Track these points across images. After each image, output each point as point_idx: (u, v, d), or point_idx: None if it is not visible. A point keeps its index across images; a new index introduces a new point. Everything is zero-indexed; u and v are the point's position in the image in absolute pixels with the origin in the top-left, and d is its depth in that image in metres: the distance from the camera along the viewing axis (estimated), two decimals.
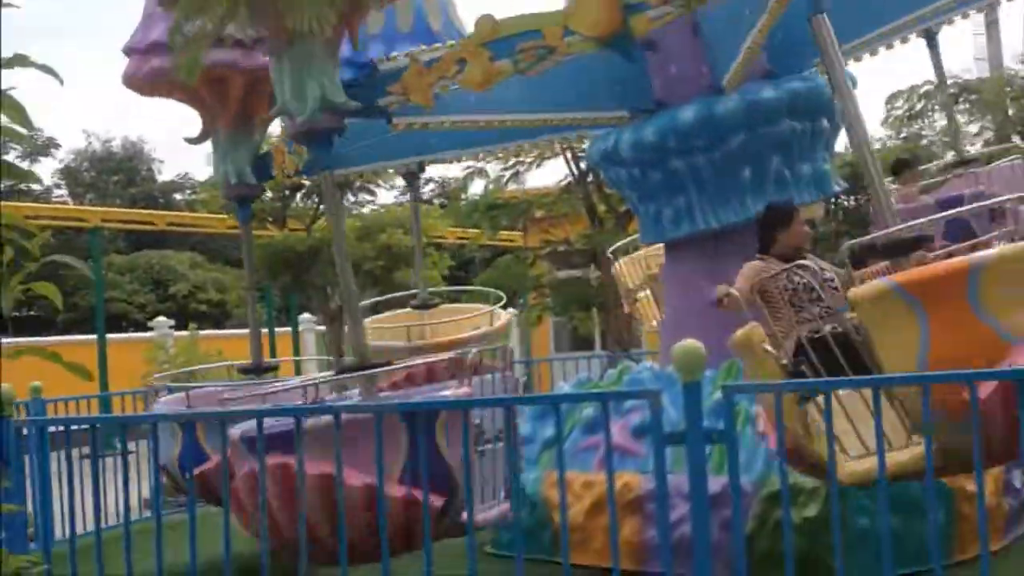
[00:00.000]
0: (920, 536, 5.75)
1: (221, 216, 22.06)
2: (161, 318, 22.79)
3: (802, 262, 5.23)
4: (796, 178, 6.97)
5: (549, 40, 5.68)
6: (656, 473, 3.37)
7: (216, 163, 7.76)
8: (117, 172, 40.62)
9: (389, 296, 11.81)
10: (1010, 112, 21.61)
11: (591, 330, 20.33)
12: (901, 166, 9.91)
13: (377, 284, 18.59)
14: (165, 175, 42.45)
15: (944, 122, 28.89)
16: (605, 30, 5.50)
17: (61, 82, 2.30)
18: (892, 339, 4.10)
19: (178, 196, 40.30)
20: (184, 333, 17.41)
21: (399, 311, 10.43)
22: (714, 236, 7.10)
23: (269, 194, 19.88)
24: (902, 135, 29.52)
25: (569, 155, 15.45)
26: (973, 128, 28.27)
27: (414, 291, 10.27)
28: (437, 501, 4.68)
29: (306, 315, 24.36)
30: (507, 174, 17.21)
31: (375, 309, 11.06)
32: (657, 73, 7.34)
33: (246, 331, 10.00)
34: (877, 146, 31.17)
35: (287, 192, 20.23)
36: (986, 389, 3.67)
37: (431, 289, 10.59)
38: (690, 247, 7.30)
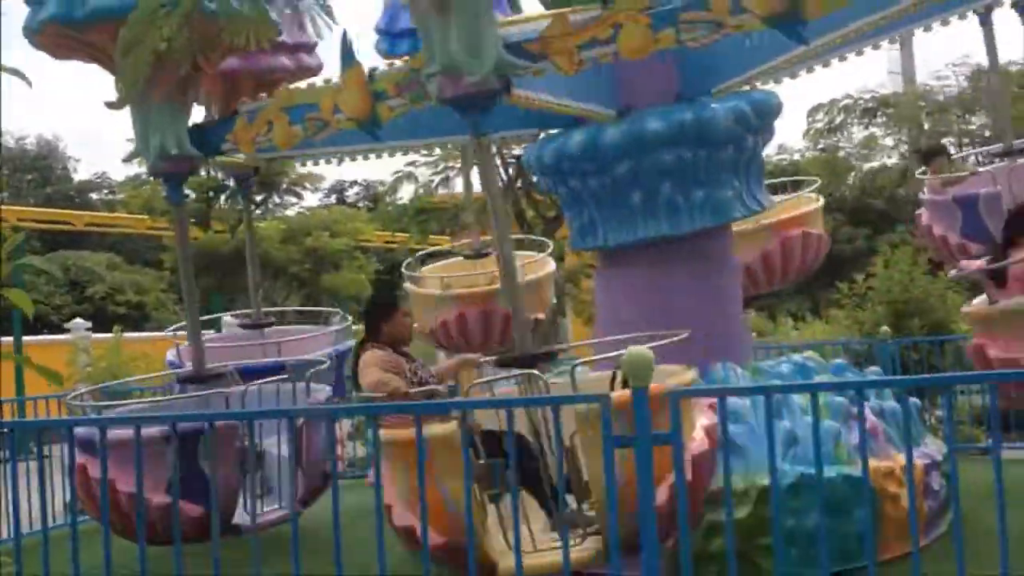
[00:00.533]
0: (844, 536, 5.94)
1: (140, 217, 21.64)
2: (78, 320, 22.28)
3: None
4: (689, 204, 7.12)
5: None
6: (606, 475, 3.45)
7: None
8: (31, 171, 39.63)
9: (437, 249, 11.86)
10: (925, 126, 22.33)
11: None
12: (932, 153, 10.08)
13: (304, 287, 18.48)
14: (81, 174, 41.53)
15: (861, 135, 29.77)
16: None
17: (29, 84, 2.28)
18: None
19: (94, 196, 39.45)
20: (102, 336, 17.08)
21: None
22: (649, 248, 7.21)
23: (192, 195, 19.61)
24: (819, 146, 30.30)
25: (498, 160, 15.57)
26: (889, 141, 29.09)
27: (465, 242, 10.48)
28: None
29: (228, 318, 24.02)
30: (437, 179, 17.26)
31: (426, 260, 11.04)
32: (622, 78, 7.34)
33: (167, 333, 9.90)
34: (796, 157, 31.97)
35: (211, 194, 19.99)
36: None
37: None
38: (624, 257, 7.40)
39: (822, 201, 10.57)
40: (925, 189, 10.01)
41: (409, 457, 4.05)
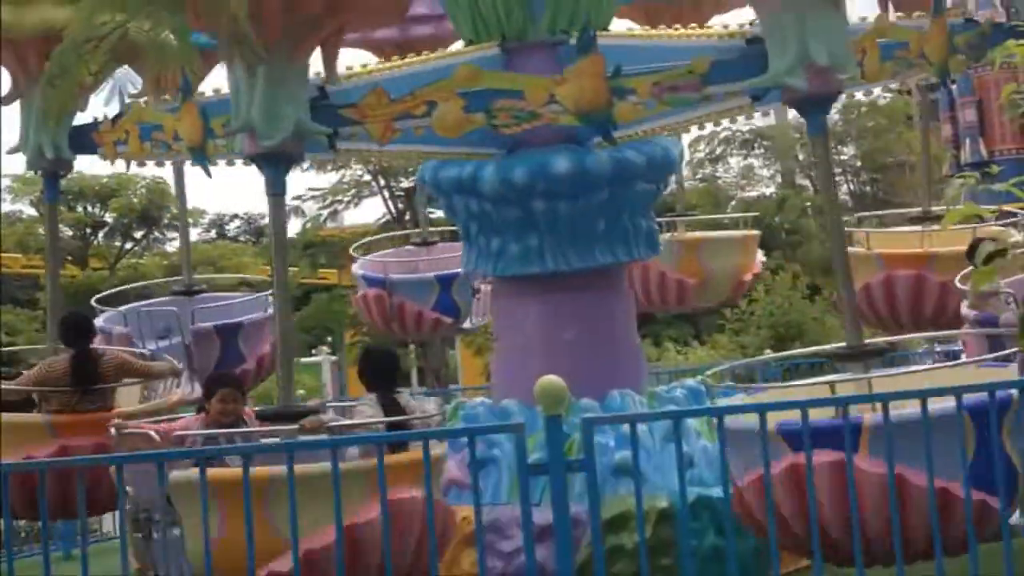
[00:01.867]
0: (742, 553, 6.14)
1: (14, 256, 20.95)
2: None
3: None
4: (636, 233, 7.32)
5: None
6: (521, 501, 3.53)
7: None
8: None
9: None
10: (800, 156, 23.24)
11: (409, 366, 20.44)
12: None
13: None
14: None
15: (739, 165, 30.80)
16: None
17: None
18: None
19: None
20: None
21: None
22: (554, 278, 7.31)
23: (69, 232, 19.05)
24: (698, 176, 31.21)
25: (387, 194, 15.62)
26: (766, 172, 30.16)
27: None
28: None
29: None
30: (325, 212, 17.19)
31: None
32: None
33: None
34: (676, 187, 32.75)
35: (88, 231, 19.47)
36: None
37: None
38: (529, 286, 7.46)
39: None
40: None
41: None
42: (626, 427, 5.93)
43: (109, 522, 10.51)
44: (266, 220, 30.06)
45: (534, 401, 4.65)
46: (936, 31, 6.37)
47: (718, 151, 29.49)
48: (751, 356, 13.04)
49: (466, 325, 11.42)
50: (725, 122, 8.05)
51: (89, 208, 21.04)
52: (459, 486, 6.58)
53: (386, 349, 6.61)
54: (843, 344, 5.84)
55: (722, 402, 5.23)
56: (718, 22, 8.13)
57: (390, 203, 15.53)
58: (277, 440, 5.15)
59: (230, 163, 6.93)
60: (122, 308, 9.69)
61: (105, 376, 7.13)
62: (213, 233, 39.15)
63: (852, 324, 5.72)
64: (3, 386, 7.16)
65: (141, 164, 8.02)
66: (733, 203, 31.18)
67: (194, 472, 4.34)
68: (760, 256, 11.42)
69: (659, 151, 7.25)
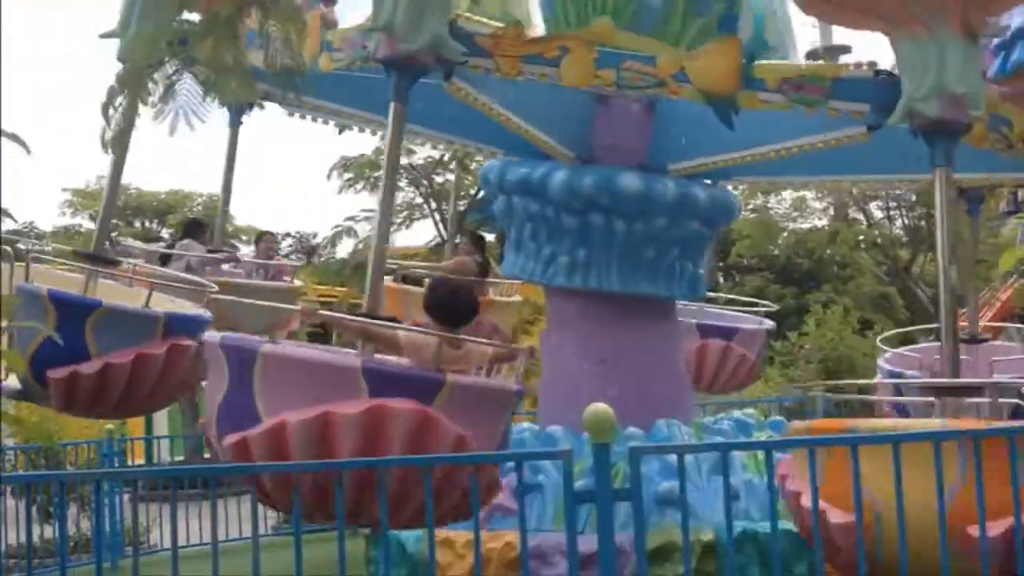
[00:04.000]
0: None
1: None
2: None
3: None
4: (682, 272, 7.39)
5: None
6: (567, 528, 3.55)
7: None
8: None
9: None
10: (854, 190, 23.07)
11: None
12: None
13: None
14: (6, 223, 40.60)
15: (792, 197, 30.57)
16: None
17: (28, 151, 2.34)
18: None
19: (21, 246, 38.57)
20: None
21: None
22: (605, 304, 7.34)
23: None
24: (750, 206, 31.02)
25: (438, 216, 15.73)
26: (818, 204, 29.76)
27: None
28: None
29: None
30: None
31: None
32: (599, 130, 7.50)
33: None
34: None
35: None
36: None
37: None
38: (579, 310, 7.48)
39: None
40: None
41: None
42: (671, 457, 5.95)
43: (156, 535, 10.63)
44: (317, 239, 30.37)
45: (580, 428, 4.67)
46: None
47: None
48: (799, 390, 12.91)
49: None
50: None
51: (147, 223, 21.38)
52: (503, 511, 6.60)
53: (454, 284, 6.17)
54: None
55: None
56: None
57: (440, 226, 15.62)
58: None
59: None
60: None
61: None
62: None
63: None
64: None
65: None
66: (785, 235, 31.00)
67: None
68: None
69: (722, 194, 7.35)
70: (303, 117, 8.26)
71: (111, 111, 5.93)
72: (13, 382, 7.08)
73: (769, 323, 11.18)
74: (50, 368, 6.71)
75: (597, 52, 5.99)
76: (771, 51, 6.60)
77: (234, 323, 7.57)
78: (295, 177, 56.73)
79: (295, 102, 6.88)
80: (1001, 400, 5.84)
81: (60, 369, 6.74)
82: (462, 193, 23.82)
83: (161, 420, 22.00)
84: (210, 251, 9.74)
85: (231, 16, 5.49)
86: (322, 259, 24.48)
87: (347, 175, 26.21)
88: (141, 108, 6.31)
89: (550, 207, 7.22)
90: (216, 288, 8.09)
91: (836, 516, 4.51)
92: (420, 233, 35.07)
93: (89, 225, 24.41)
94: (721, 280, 30.64)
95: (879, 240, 28.24)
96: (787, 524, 6.34)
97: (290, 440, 4.74)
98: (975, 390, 5.87)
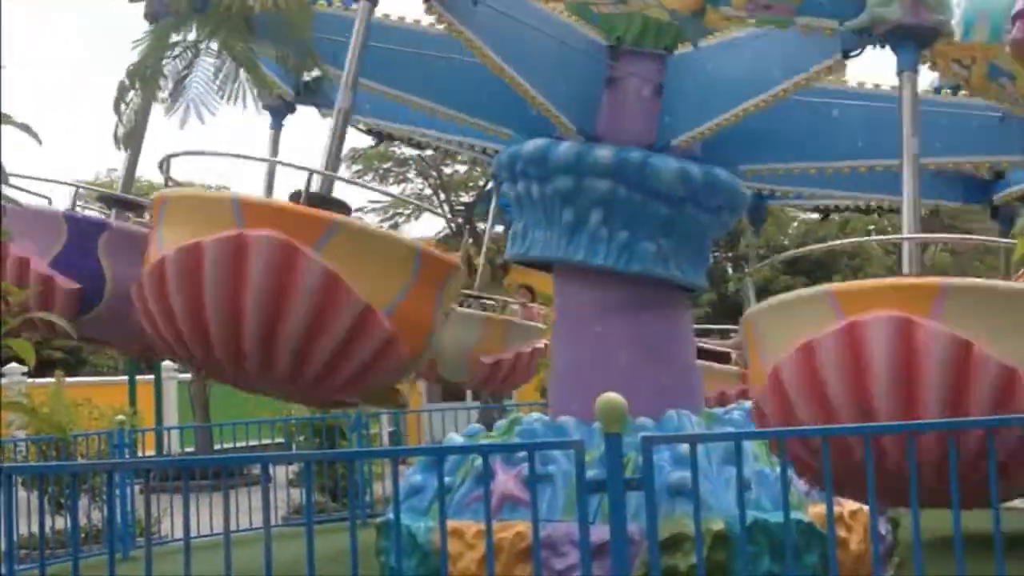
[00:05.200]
0: None
1: None
2: (13, 364, 21.80)
3: None
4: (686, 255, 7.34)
5: None
6: (579, 519, 3.54)
7: None
8: None
9: None
10: None
11: None
12: None
13: None
14: None
15: None
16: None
17: (39, 141, 2.34)
18: None
19: None
20: (41, 380, 16.78)
21: None
22: (613, 291, 7.24)
23: None
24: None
25: (447, 208, 15.71)
26: None
27: None
28: None
29: (168, 363, 23.74)
30: (386, 225, 17.33)
31: None
32: (608, 111, 7.46)
33: (109, 378, 9.78)
34: None
35: None
36: None
37: None
38: (589, 300, 7.38)
39: None
40: None
41: None
42: (682, 447, 5.94)
43: (167, 525, 10.67)
44: None
45: (591, 418, 4.67)
46: None
47: None
48: None
49: None
50: None
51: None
52: (514, 501, 6.61)
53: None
54: None
55: None
56: None
57: (449, 216, 15.64)
58: None
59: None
60: None
61: None
62: None
63: None
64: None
65: None
66: (795, 224, 30.92)
67: None
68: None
69: (727, 176, 7.25)
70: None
71: (123, 107, 5.93)
72: None
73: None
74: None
75: None
76: None
77: None
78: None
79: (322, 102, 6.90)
80: None
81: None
82: (469, 183, 23.85)
83: (171, 411, 22.12)
84: None
85: (242, 7, 5.48)
86: None
87: (355, 167, 26.25)
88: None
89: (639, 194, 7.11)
90: None
91: None
92: (430, 224, 35.14)
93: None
94: (730, 270, 30.60)
95: (890, 229, 28.14)
96: (799, 514, 6.36)
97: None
98: None
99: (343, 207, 5.75)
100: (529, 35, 6.72)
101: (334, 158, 5.81)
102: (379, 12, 6.36)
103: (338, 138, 5.76)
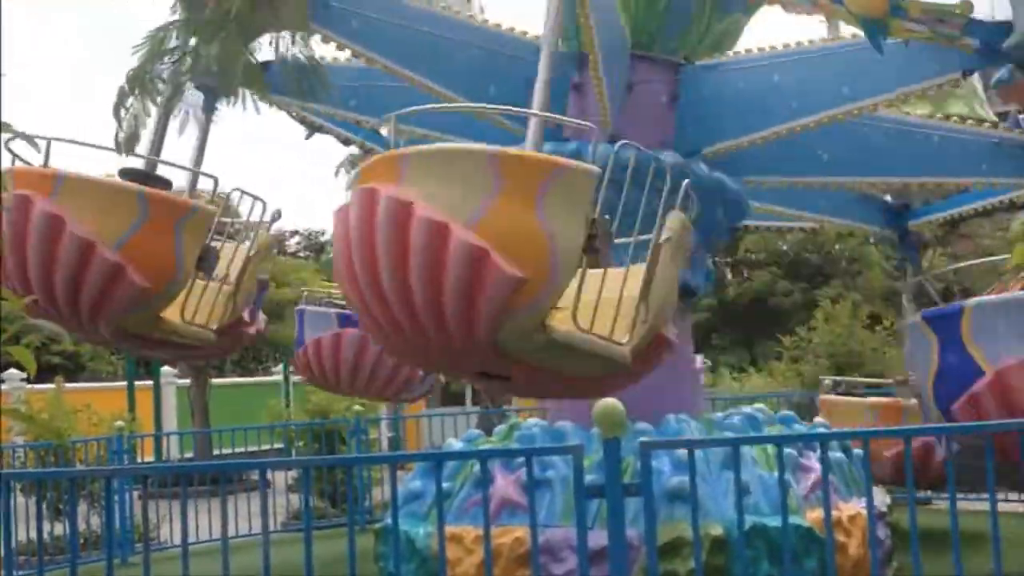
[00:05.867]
0: None
1: None
2: (12, 370, 21.79)
3: None
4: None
5: None
6: (578, 524, 3.54)
7: None
8: None
9: None
10: None
11: (462, 386, 20.50)
12: None
13: None
14: None
15: None
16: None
17: (38, 149, 2.35)
18: None
19: None
20: (41, 386, 16.77)
21: None
22: None
23: None
24: None
25: None
26: None
27: None
28: None
29: (167, 368, 23.73)
30: None
31: None
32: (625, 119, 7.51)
33: (108, 384, 9.77)
34: None
35: None
36: None
37: None
38: None
39: None
40: None
41: None
42: (682, 452, 5.94)
43: (166, 531, 10.67)
44: (325, 236, 30.06)
45: (589, 423, 4.66)
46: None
47: None
48: (808, 384, 12.89)
49: None
50: None
51: None
52: (513, 506, 6.61)
53: None
54: None
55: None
56: None
57: None
58: None
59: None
60: None
61: None
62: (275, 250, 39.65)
63: None
64: None
65: None
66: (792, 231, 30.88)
67: None
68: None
69: (733, 184, 7.35)
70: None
71: (122, 112, 5.97)
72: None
73: None
74: None
75: None
76: None
77: None
78: (303, 173, 56.83)
79: (309, 101, 6.90)
80: None
81: None
82: None
83: (170, 416, 22.11)
84: None
85: (241, 11, 5.50)
86: (330, 256, 24.47)
87: (355, 171, 26.12)
88: (150, 108, 6.36)
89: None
90: None
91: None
92: None
93: None
94: (729, 275, 30.60)
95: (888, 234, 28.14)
96: (798, 519, 6.36)
97: None
98: None
99: (165, 183, 6.42)
100: (444, 45, 6.86)
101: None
102: None
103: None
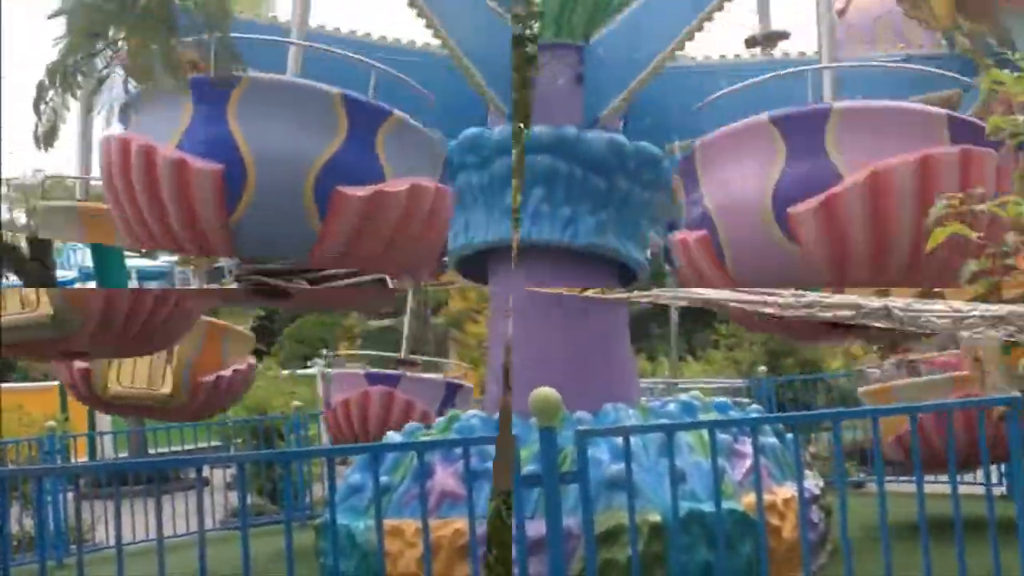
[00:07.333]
0: (733, 570, 6.17)
1: None
2: None
3: None
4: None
5: None
6: (515, 513, 3.57)
7: None
8: None
9: None
10: None
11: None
12: None
13: None
14: None
15: None
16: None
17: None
18: None
19: None
20: None
21: None
22: (544, 279, 7.28)
23: None
24: None
25: None
26: None
27: None
28: None
29: None
30: None
31: None
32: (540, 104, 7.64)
33: (40, 384, 9.58)
34: None
35: None
36: None
37: None
38: (523, 294, 7.36)
39: None
40: None
41: None
42: (619, 440, 6.00)
43: (102, 532, 10.50)
44: None
45: (527, 413, 4.70)
46: None
47: None
48: (744, 372, 13.08)
49: None
50: None
51: None
52: (453, 498, 6.61)
53: None
54: None
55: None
56: None
57: None
58: None
59: None
60: None
61: None
62: None
63: None
64: None
65: None
66: None
67: None
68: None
69: (654, 149, 7.49)
70: None
71: (42, 106, 5.83)
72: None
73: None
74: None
75: None
76: None
77: None
78: None
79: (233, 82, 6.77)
80: None
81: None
82: None
83: (104, 416, 21.68)
84: None
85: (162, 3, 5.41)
86: None
87: None
88: (71, 101, 6.21)
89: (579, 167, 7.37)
90: None
91: None
92: None
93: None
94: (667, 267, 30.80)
95: None
96: (732, 504, 6.44)
97: None
98: None
99: None
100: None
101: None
102: None
103: None
